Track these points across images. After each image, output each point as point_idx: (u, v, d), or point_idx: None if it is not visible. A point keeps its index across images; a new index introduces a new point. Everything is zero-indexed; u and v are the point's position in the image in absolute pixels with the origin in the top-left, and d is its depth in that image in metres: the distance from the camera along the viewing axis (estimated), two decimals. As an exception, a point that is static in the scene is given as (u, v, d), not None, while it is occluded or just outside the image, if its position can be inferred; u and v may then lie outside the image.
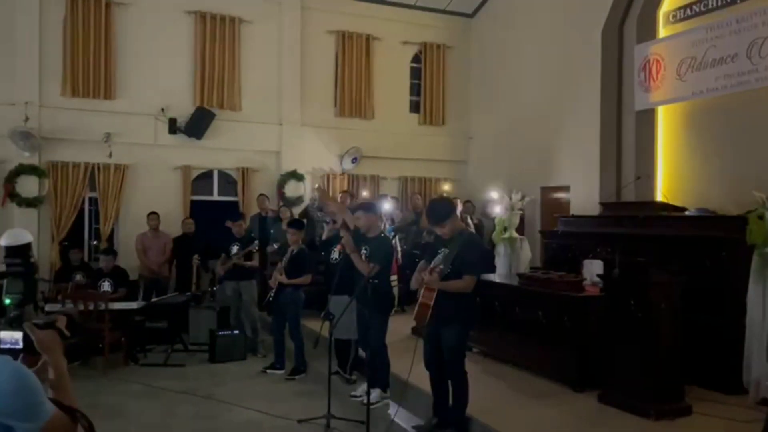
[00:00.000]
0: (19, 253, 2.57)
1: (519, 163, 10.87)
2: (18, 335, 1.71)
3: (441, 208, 4.64)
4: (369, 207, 5.99)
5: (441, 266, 4.39)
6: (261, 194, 10.49)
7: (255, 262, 8.06)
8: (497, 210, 8.25)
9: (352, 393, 5.84)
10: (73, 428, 1.62)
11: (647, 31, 8.81)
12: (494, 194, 8.74)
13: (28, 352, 1.72)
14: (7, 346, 1.71)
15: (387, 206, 9.19)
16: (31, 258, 2.74)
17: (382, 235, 5.88)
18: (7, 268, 2.37)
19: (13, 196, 9.50)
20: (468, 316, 4.54)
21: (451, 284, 4.38)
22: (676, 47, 8.24)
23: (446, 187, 11.66)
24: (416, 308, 4.51)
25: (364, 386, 5.33)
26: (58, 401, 1.62)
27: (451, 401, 4.61)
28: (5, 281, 2.30)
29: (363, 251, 5.54)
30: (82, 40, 9.94)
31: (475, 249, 4.59)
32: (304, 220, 8.38)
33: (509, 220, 8.16)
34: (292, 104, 11.39)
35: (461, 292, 4.39)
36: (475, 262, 4.49)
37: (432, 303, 4.40)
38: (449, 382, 4.60)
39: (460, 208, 8.81)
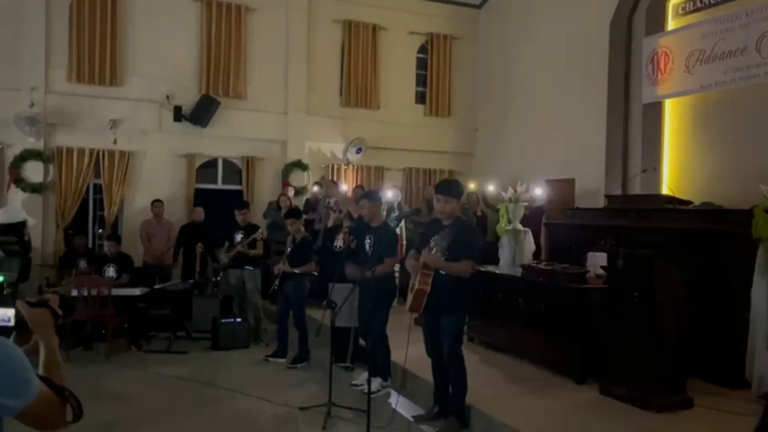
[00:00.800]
0: (14, 230, 2.57)
1: (524, 155, 10.83)
2: (10, 313, 1.70)
3: (455, 184, 4.74)
4: (373, 195, 5.97)
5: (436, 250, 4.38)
6: (289, 184, 10.53)
7: (259, 251, 8.07)
8: (503, 196, 8.19)
9: (353, 382, 5.86)
10: (61, 407, 1.61)
11: (656, 24, 8.73)
12: (492, 187, 8.69)
13: (20, 331, 1.71)
14: (0, 323, 1.70)
15: (389, 194, 9.19)
16: (25, 236, 2.73)
17: (386, 223, 5.86)
18: (1, 246, 2.36)
19: (18, 181, 9.53)
20: (465, 302, 4.56)
21: (452, 265, 4.36)
22: (685, 40, 8.17)
23: (472, 185, 11.26)
24: (412, 296, 4.48)
25: (364, 375, 5.33)
26: (48, 379, 1.61)
27: (451, 389, 4.61)
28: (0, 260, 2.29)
29: (367, 240, 5.54)
30: (89, 27, 9.94)
31: (472, 235, 4.57)
32: (300, 208, 8.39)
33: (513, 212, 8.12)
34: (297, 93, 11.36)
35: (459, 276, 4.36)
36: (470, 248, 4.46)
37: (428, 289, 4.39)
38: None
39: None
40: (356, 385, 5.75)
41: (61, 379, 1.65)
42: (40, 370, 1.64)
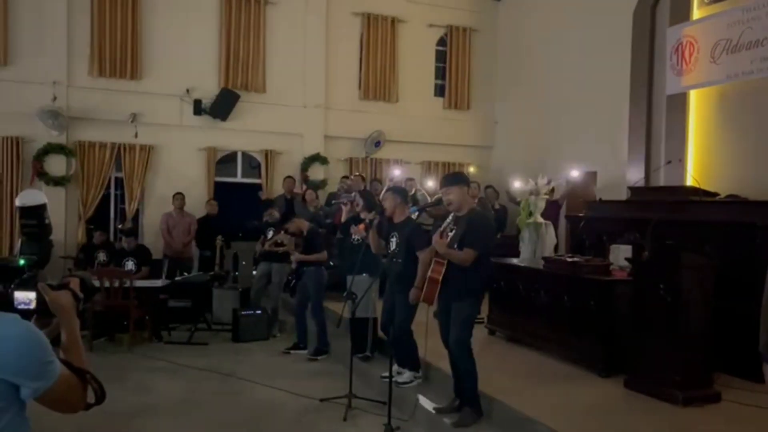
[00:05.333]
0: (35, 214, 2.57)
1: (545, 147, 10.72)
2: (32, 295, 1.70)
3: (452, 174, 4.83)
4: (396, 188, 5.90)
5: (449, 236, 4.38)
6: (288, 176, 10.49)
7: (291, 245, 8.06)
8: (525, 187, 8.13)
9: (383, 375, 5.79)
10: (82, 389, 1.60)
11: (680, 13, 8.57)
12: (517, 183, 8.62)
13: (42, 313, 1.71)
14: (21, 306, 1.70)
15: (396, 172, 9.20)
16: (46, 219, 2.73)
17: (410, 218, 5.70)
18: (22, 229, 2.35)
19: (41, 174, 9.64)
20: (474, 292, 4.49)
21: (453, 252, 4.36)
22: (711, 29, 8.01)
23: (471, 169, 11.55)
24: (425, 285, 4.49)
25: (394, 367, 5.33)
26: (69, 362, 1.60)
27: (462, 380, 4.56)
28: (20, 242, 2.29)
29: (392, 239, 5.46)
30: (110, 21, 10.01)
31: (479, 226, 4.48)
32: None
33: (534, 204, 8.05)
34: (316, 87, 11.36)
35: (462, 265, 4.33)
36: (477, 237, 4.39)
37: (441, 278, 4.37)
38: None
39: (476, 192, 8.78)
40: (385, 378, 5.70)
41: (82, 362, 1.64)
42: (61, 353, 1.64)
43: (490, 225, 4.84)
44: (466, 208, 4.51)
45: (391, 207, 5.42)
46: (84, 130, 10.00)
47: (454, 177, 4.70)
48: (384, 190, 5.97)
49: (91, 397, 1.63)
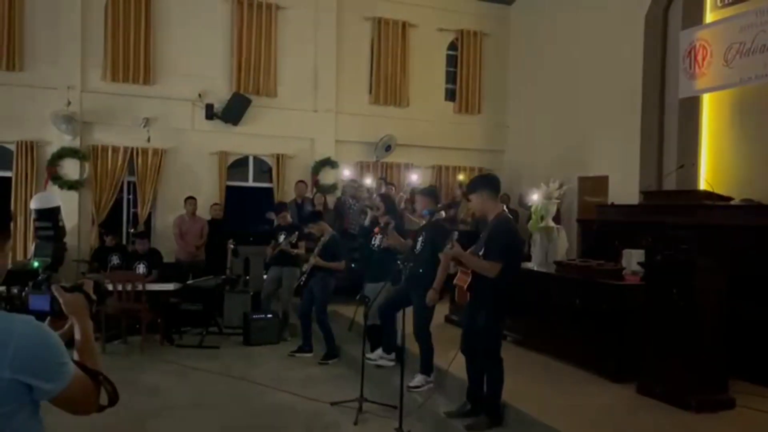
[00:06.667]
0: (49, 216, 2.59)
1: (556, 152, 10.68)
2: (46, 297, 1.71)
3: (473, 179, 4.79)
4: (426, 191, 5.91)
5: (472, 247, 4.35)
6: (299, 181, 10.51)
7: (301, 250, 8.08)
8: (534, 198, 8.10)
9: (368, 356, 5.82)
10: (95, 391, 1.61)
11: (693, 16, 8.53)
12: (535, 195, 8.57)
13: (56, 315, 1.72)
14: (35, 308, 1.71)
15: (414, 177, 9.20)
16: (60, 222, 2.75)
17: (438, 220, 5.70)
18: (36, 232, 2.38)
19: (55, 178, 9.73)
20: (500, 302, 4.37)
21: (476, 262, 4.26)
22: (724, 32, 7.96)
23: (461, 177, 11.44)
24: (455, 290, 4.47)
25: (419, 377, 5.37)
26: (82, 364, 1.61)
27: (485, 388, 4.55)
28: (34, 245, 2.32)
29: (419, 239, 5.45)
30: (123, 26, 10.09)
31: (502, 235, 4.33)
32: (321, 210, 8.44)
33: (546, 209, 8.01)
34: (327, 91, 11.38)
35: (486, 275, 4.22)
36: (499, 248, 4.25)
37: (466, 286, 4.33)
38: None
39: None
40: (371, 360, 5.72)
41: (95, 363, 1.64)
42: (75, 355, 1.65)
43: (513, 233, 4.56)
44: (491, 213, 4.43)
45: (421, 208, 5.52)
46: (97, 134, 10.08)
47: (473, 182, 4.66)
48: (417, 192, 5.97)
49: (104, 399, 1.64)
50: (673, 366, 4.52)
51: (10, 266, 1.67)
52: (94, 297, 1.77)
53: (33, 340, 1.49)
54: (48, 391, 1.51)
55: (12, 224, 1.71)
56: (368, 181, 10.61)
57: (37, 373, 1.48)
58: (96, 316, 1.80)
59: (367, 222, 8.01)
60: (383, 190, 9.45)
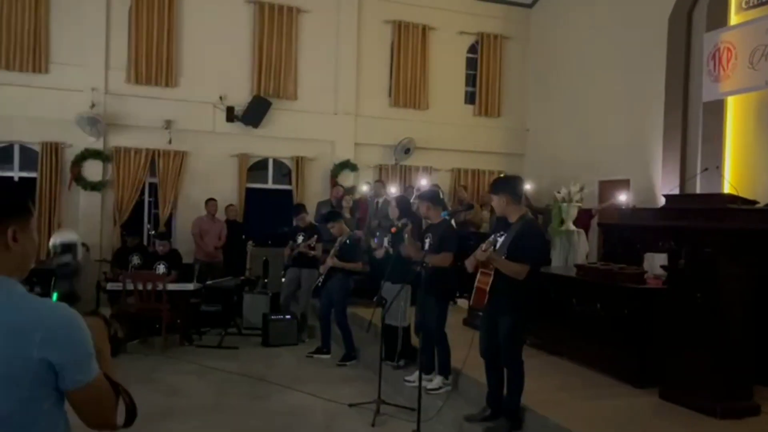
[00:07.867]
0: (69, 249, 2.62)
1: (577, 155, 10.59)
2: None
3: (494, 181, 4.77)
4: (424, 195, 5.93)
5: (493, 248, 4.29)
6: (337, 184, 10.54)
7: (319, 252, 8.08)
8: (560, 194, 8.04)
9: (406, 378, 5.79)
10: (114, 400, 1.61)
11: (717, 19, 8.42)
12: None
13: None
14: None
15: (424, 182, 9.18)
16: (78, 256, 2.79)
17: (445, 219, 5.71)
18: (56, 268, 2.41)
19: (78, 180, 9.87)
20: (525, 305, 4.34)
21: (508, 264, 4.22)
22: (749, 35, 7.85)
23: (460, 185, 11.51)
24: (473, 292, 4.41)
25: (437, 379, 5.38)
26: (105, 374, 1.62)
27: (505, 391, 4.51)
28: (54, 280, 2.35)
29: (426, 239, 5.48)
30: (147, 30, 10.23)
31: (532, 237, 4.37)
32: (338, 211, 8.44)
33: (566, 212, 7.96)
34: (347, 94, 11.42)
35: (515, 277, 4.21)
36: (531, 250, 4.28)
37: (488, 289, 4.29)
38: (504, 371, 4.49)
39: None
40: (408, 381, 5.68)
41: (115, 378, 1.65)
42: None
43: (540, 236, 4.61)
44: (514, 216, 4.40)
45: (425, 211, 5.60)
46: (120, 136, 10.21)
47: (493, 185, 4.66)
48: (417, 197, 6.02)
49: (121, 416, 1.64)
50: (698, 372, 4.45)
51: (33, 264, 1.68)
52: (111, 322, 1.79)
53: (65, 322, 1.52)
54: (74, 380, 1.51)
55: (35, 210, 1.71)
56: (392, 189, 10.60)
57: (65, 355, 1.49)
58: (114, 339, 1.81)
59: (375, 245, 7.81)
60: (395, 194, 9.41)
